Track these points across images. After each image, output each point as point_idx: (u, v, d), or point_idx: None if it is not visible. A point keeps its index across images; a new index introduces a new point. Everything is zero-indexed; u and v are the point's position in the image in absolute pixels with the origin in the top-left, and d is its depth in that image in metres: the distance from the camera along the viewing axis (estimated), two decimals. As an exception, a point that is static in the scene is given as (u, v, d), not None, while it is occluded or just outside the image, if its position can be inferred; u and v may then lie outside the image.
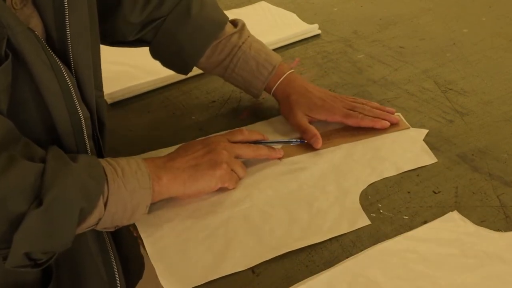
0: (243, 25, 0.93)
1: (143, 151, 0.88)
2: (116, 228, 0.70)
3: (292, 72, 0.92)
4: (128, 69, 1.08)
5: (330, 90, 1.00)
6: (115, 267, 0.81)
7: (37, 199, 0.59)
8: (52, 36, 0.64)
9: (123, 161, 0.69)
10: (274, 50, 1.03)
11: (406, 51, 1.11)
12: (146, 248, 0.71)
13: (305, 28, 1.21)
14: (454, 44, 1.12)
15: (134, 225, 0.75)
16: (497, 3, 1.28)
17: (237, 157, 0.79)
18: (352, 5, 1.33)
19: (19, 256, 0.60)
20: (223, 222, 0.74)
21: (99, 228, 0.68)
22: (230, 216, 0.75)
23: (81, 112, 0.68)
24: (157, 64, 1.06)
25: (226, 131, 0.84)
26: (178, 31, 0.89)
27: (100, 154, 0.75)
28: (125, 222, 0.70)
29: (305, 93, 0.89)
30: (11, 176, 0.57)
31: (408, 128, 0.88)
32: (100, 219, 0.66)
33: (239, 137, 0.82)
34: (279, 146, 0.85)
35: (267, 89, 0.92)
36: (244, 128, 0.84)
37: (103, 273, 0.80)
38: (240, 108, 0.98)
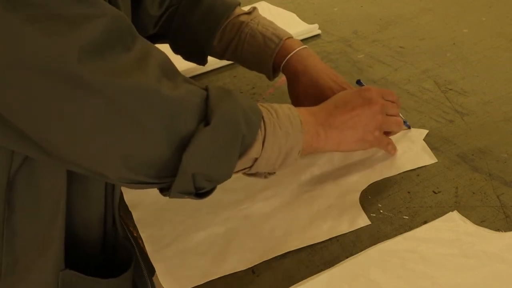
0: (255, 8, 0.93)
1: (143, 151, 0.88)
2: (266, 177, 0.70)
3: (304, 48, 0.89)
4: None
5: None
6: (142, 266, 0.81)
7: (205, 120, 0.58)
8: None
9: (275, 105, 0.69)
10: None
11: (406, 51, 1.11)
12: (146, 248, 0.71)
13: (305, 28, 1.21)
14: (454, 44, 1.12)
15: (134, 225, 0.75)
16: (497, 3, 1.28)
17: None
18: (352, 5, 1.34)
19: (187, 178, 0.59)
20: (223, 222, 0.74)
21: (253, 170, 0.67)
22: (230, 216, 0.75)
23: None
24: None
25: (379, 89, 0.81)
26: (190, 16, 0.90)
27: None
28: (277, 168, 0.69)
29: (316, 80, 0.85)
30: (180, 91, 0.57)
31: (409, 128, 0.88)
32: (257, 159, 0.65)
33: (391, 98, 0.80)
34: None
35: (276, 66, 0.89)
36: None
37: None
38: (240, 108, 0.98)
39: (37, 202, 0.62)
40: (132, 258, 0.73)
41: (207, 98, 0.60)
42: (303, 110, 0.72)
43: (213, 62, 0.98)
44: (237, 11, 0.91)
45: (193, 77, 1.09)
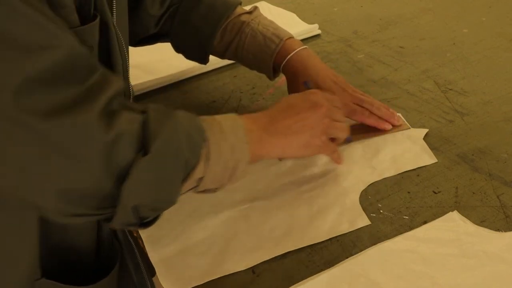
0: (256, 7, 0.93)
1: (143, 151, 0.88)
2: (216, 190, 0.67)
3: (305, 48, 0.88)
4: (128, 69, 1.08)
5: (330, 90, 1.00)
6: (142, 267, 0.81)
7: (144, 148, 0.57)
8: None
9: (218, 117, 0.67)
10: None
11: (406, 51, 1.11)
12: (146, 248, 0.71)
13: (305, 28, 1.21)
14: (454, 44, 1.12)
15: (134, 225, 0.75)
16: (497, 3, 1.28)
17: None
18: (352, 5, 1.34)
19: (128, 211, 0.58)
20: (223, 222, 0.74)
21: (201, 189, 0.65)
22: (230, 216, 0.75)
23: (131, 91, 0.70)
24: (157, 64, 1.07)
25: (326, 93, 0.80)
26: (191, 15, 0.89)
27: None
28: (226, 182, 0.66)
29: (316, 81, 0.86)
30: (117, 123, 0.55)
31: (409, 128, 0.88)
32: (202, 178, 0.63)
33: (337, 104, 0.79)
34: None
35: (277, 66, 0.89)
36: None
37: (133, 273, 0.80)
38: (240, 108, 0.98)
39: (3, 217, 0.61)
40: (114, 264, 0.74)
41: (145, 123, 0.58)
42: (245, 118, 0.69)
43: (213, 62, 0.98)
44: (238, 10, 0.91)
45: (194, 77, 1.09)
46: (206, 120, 0.65)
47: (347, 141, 0.83)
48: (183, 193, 0.64)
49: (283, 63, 0.87)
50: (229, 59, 0.95)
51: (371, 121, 0.86)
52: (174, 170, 0.59)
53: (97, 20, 0.61)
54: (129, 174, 0.55)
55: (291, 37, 0.89)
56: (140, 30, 0.89)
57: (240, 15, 0.90)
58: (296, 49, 0.87)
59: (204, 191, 0.66)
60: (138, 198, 0.58)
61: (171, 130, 0.59)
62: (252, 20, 0.90)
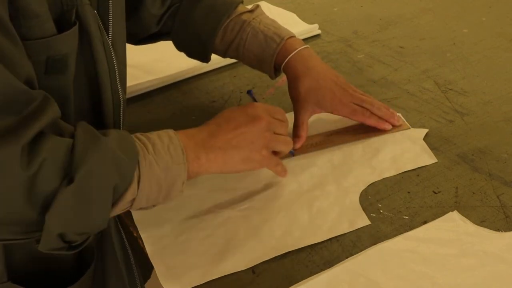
0: (257, 6, 0.92)
1: (143, 151, 0.88)
2: (153, 207, 0.66)
3: (306, 47, 0.88)
4: (128, 69, 1.07)
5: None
6: (134, 268, 0.81)
7: (68, 176, 0.56)
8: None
9: (153, 135, 0.65)
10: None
11: (406, 51, 1.11)
12: (146, 248, 0.71)
13: (305, 28, 1.21)
14: (454, 44, 1.12)
15: (134, 225, 0.75)
16: (497, 3, 1.28)
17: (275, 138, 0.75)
18: (352, 5, 1.33)
19: (53, 238, 0.57)
20: (223, 222, 0.74)
21: (134, 208, 0.64)
22: (230, 216, 0.75)
23: (121, 95, 0.69)
24: (157, 64, 1.06)
25: (268, 105, 0.78)
26: (192, 14, 0.89)
27: None
28: (162, 201, 0.66)
29: (317, 81, 0.85)
30: (41, 152, 0.54)
31: (409, 128, 0.88)
32: (134, 199, 0.62)
33: (279, 116, 0.76)
34: None
35: (278, 65, 0.88)
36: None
37: (125, 274, 0.81)
38: (240, 108, 0.98)
39: None
40: (84, 270, 0.74)
41: (72, 149, 0.57)
42: (182, 135, 0.67)
43: (213, 62, 0.98)
44: (239, 9, 0.91)
45: (194, 77, 1.08)
46: (141, 140, 0.64)
47: (290, 154, 0.83)
48: (115, 215, 0.64)
49: (284, 62, 0.87)
50: (231, 57, 0.95)
51: (371, 122, 0.86)
52: (101, 197, 0.59)
53: (75, 28, 0.61)
54: (53, 203, 0.55)
55: (292, 36, 0.89)
56: (141, 30, 0.89)
57: (241, 13, 0.90)
58: (297, 49, 0.86)
59: (140, 208, 0.66)
60: (63, 226, 0.57)
61: (97, 157, 0.57)
62: (253, 19, 0.89)
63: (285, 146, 0.75)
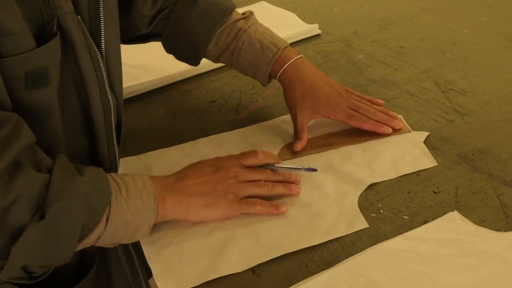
0: (251, 13, 0.93)
1: (143, 151, 0.88)
2: (116, 245, 0.68)
3: (300, 57, 0.89)
4: (128, 69, 1.08)
5: (330, 90, 1.00)
6: (139, 270, 0.81)
7: (40, 212, 0.58)
8: (86, 23, 0.66)
9: (128, 178, 0.67)
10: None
11: (406, 51, 1.11)
12: (143, 249, 0.71)
13: (305, 28, 1.21)
14: (454, 44, 1.12)
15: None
16: (497, 3, 1.28)
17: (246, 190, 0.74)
18: (352, 5, 1.33)
19: (16, 269, 0.59)
20: (220, 223, 0.74)
21: (98, 244, 0.66)
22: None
23: (111, 98, 0.69)
24: (157, 64, 1.06)
25: (239, 154, 0.78)
26: (186, 18, 0.89)
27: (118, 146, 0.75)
28: (126, 241, 0.68)
29: (311, 87, 0.86)
30: (16, 185, 0.56)
31: (410, 131, 0.87)
32: (100, 237, 0.64)
33: (252, 160, 0.77)
34: (289, 171, 0.79)
35: (273, 74, 0.90)
36: (259, 150, 0.78)
37: (129, 275, 0.81)
38: (240, 108, 0.98)
39: None
40: (86, 272, 0.74)
41: (48, 185, 0.58)
42: (155, 181, 0.69)
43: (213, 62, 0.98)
44: (234, 15, 0.91)
45: (194, 77, 1.08)
46: (116, 181, 0.66)
47: (312, 170, 0.79)
48: (78, 250, 0.64)
49: (279, 72, 0.88)
50: (223, 63, 0.95)
51: (368, 126, 0.86)
52: (69, 235, 0.60)
53: (56, 39, 0.60)
54: (21, 237, 0.57)
55: (287, 46, 0.90)
56: (130, 30, 0.88)
57: (237, 21, 0.90)
58: (292, 58, 0.88)
59: (104, 245, 0.67)
60: (28, 259, 0.59)
61: (70, 196, 0.59)
62: (249, 27, 0.90)
63: (256, 188, 0.75)
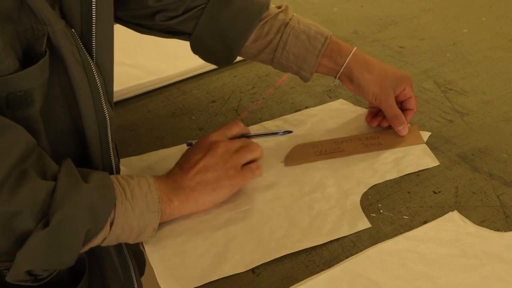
0: (287, 5, 0.89)
1: (143, 151, 0.88)
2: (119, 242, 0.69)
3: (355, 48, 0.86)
4: (128, 69, 1.08)
5: (329, 90, 1.00)
6: (131, 267, 0.81)
7: (45, 219, 0.58)
8: (78, 33, 0.64)
9: (134, 181, 0.68)
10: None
11: (406, 51, 1.11)
12: (145, 249, 0.71)
13: (305, 28, 1.21)
14: (454, 44, 1.12)
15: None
16: (497, 3, 1.28)
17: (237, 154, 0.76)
18: (352, 5, 1.33)
19: (21, 273, 0.59)
20: (223, 224, 0.74)
21: (103, 245, 0.67)
22: (230, 217, 0.75)
23: (107, 111, 0.68)
24: (157, 64, 1.06)
25: (223, 125, 0.81)
26: (220, 16, 0.85)
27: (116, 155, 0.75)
28: (131, 242, 0.69)
29: (381, 66, 0.85)
30: (22, 193, 0.56)
31: (423, 143, 0.85)
32: (105, 239, 0.65)
33: (236, 129, 0.80)
34: (267, 137, 0.85)
35: (332, 67, 0.85)
36: (238, 121, 0.80)
37: (121, 273, 0.80)
38: (240, 108, 0.98)
39: None
40: (80, 278, 0.74)
41: (54, 191, 0.59)
42: (159, 181, 0.70)
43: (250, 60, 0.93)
44: (272, 10, 0.87)
45: (194, 77, 1.08)
46: (122, 184, 0.66)
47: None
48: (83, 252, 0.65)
49: (344, 64, 0.84)
50: (261, 61, 0.90)
51: (401, 131, 0.85)
52: (73, 241, 0.61)
53: (43, 60, 0.59)
54: (25, 243, 0.57)
55: (331, 34, 0.86)
56: (133, 17, 0.85)
57: (276, 14, 0.86)
58: (351, 50, 0.84)
59: (108, 244, 0.68)
60: (33, 264, 0.59)
61: (75, 204, 0.60)
62: (290, 19, 0.86)
63: (252, 152, 0.77)
